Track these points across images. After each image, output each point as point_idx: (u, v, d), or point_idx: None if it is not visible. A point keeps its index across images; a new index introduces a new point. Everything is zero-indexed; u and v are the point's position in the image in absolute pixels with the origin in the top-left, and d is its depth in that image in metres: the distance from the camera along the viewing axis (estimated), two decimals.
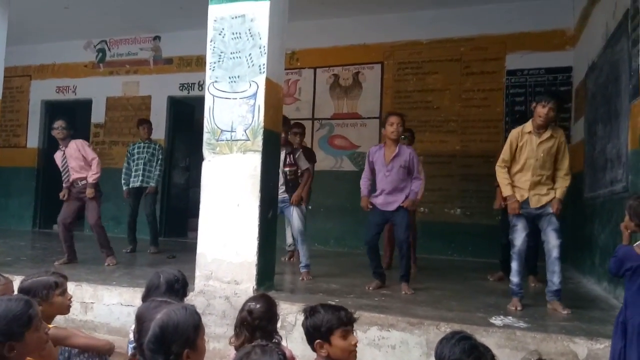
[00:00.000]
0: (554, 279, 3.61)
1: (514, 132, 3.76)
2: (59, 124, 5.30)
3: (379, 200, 4.31)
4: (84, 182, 5.21)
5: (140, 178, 6.36)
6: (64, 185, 5.32)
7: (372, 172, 4.38)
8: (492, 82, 6.90)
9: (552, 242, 3.62)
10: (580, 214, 5.50)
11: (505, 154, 3.78)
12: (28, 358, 1.70)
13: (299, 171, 4.88)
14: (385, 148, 4.31)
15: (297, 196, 4.75)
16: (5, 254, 5.54)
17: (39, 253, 6.23)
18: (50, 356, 1.99)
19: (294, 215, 4.75)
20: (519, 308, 3.60)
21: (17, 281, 3.59)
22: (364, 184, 4.39)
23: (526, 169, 3.70)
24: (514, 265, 3.72)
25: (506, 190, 3.74)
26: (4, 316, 1.58)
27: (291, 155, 4.82)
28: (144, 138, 6.53)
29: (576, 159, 5.90)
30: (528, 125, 3.71)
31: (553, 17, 6.57)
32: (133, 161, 6.42)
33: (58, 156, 5.38)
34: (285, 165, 4.73)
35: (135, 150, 6.44)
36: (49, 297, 2.37)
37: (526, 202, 3.69)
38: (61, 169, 5.32)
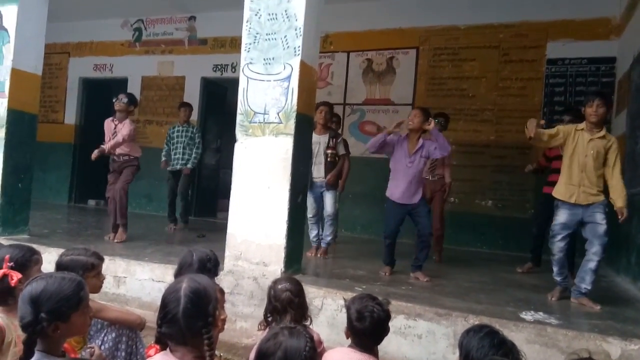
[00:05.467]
0: (582, 285, 3.62)
1: (569, 126, 3.79)
2: (122, 96, 5.46)
3: (397, 195, 4.26)
4: (125, 157, 5.33)
5: (180, 162, 6.47)
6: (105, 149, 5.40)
7: (387, 146, 4.26)
8: (531, 70, 6.69)
9: (593, 250, 3.59)
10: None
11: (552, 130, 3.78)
12: None
13: (337, 156, 5.08)
14: (408, 139, 4.28)
15: (333, 176, 4.97)
16: (42, 227, 5.73)
17: (74, 227, 6.41)
18: None
19: (328, 198, 5.01)
20: (553, 298, 3.75)
21: (52, 254, 3.74)
22: (377, 138, 4.22)
23: (574, 164, 3.71)
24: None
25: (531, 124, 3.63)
26: (55, 295, 1.56)
27: (334, 140, 5.04)
28: (182, 121, 6.60)
29: None
30: (582, 125, 3.73)
31: (598, 4, 6.29)
32: (172, 144, 6.52)
33: (109, 126, 5.44)
34: (327, 147, 4.99)
35: (175, 134, 6.53)
36: (83, 278, 2.41)
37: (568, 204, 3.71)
38: (107, 138, 5.42)
